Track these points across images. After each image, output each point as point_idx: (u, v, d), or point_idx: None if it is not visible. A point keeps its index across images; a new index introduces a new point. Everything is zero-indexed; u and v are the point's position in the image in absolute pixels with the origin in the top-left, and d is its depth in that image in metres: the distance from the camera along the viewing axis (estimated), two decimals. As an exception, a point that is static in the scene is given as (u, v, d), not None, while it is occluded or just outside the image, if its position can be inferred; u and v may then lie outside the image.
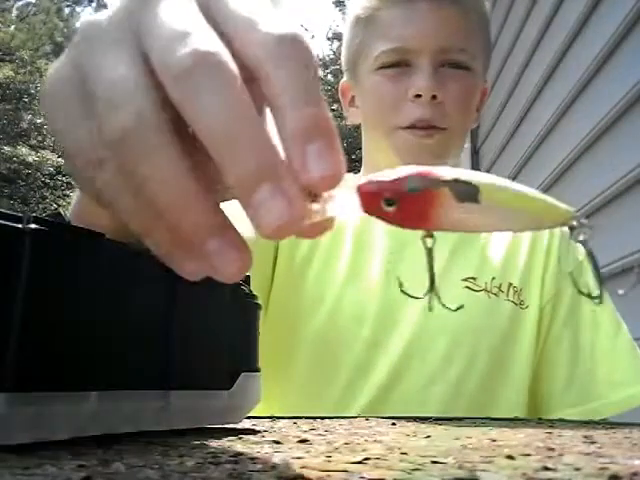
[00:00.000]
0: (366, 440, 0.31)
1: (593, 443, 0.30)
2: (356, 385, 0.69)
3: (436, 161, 0.76)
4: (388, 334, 0.70)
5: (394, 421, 0.45)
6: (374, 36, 0.76)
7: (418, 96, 0.72)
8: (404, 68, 0.73)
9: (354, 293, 0.72)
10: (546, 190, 2.19)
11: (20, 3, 15.58)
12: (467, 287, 0.73)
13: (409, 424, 0.43)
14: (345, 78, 0.84)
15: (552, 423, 0.46)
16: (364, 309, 0.72)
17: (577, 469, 0.21)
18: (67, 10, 18.73)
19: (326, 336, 0.70)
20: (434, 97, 0.72)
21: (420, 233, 0.26)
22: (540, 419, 0.48)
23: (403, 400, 0.68)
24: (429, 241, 0.25)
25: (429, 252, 0.25)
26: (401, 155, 0.75)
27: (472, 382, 0.70)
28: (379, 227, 0.76)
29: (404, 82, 0.73)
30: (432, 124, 0.73)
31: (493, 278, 0.74)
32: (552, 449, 0.26)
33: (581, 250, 0.24)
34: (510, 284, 0.74)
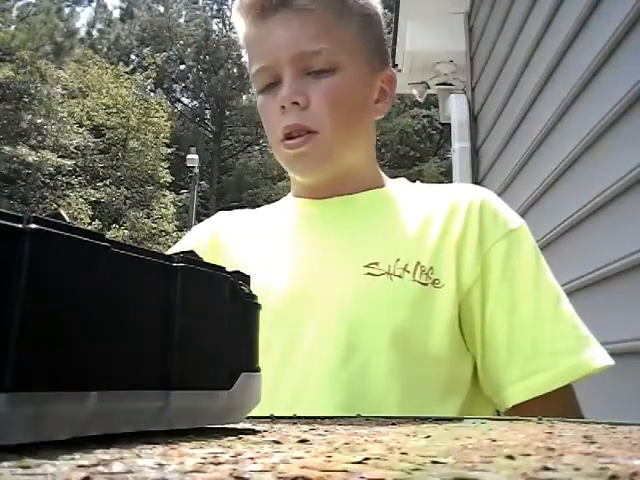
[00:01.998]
0: (366, 440, 0.31)
1: (593, 443, 0.30)
2: (275, 392, 0.69)
3: (319, 164, 0.77)
4: (299, 334, 0.72)
5: (394, 421, 0.45)
6: (250, 59, 0.80)
7: (283, 107, 0.74)
8: (277, 86, 0.76)
9: (280, 275, 0.76)
10: (546, 190, 2.19)
11: (20, 3, 15.59)
12: (369, 273, 0.72)
13: (409, 424, 0.43)
14: None
15: (552, 423, 0.46)
16: (291, 289, 0.75)
17: (577, 469, 0.21)
18: (67, 10, 18.77)
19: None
20: (296, 103, 0.74)
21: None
22: (540, 419, 0.48)
23: (311, 404, 0.68)
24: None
25: None
26: (288, 167, 0.79)
27: (380, 365, 0.68)
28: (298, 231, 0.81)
29: (276, 100, 0.76)
30: (302, 127, 0.74)
31: (398, 260, 0.72)
32: (552, 449, 0.26)
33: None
34: (418, 263, 0.71)
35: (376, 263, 0.72)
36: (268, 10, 0.75)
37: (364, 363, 0.68)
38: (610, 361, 0.70)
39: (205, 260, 0.34)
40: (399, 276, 0.71)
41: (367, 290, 0.71)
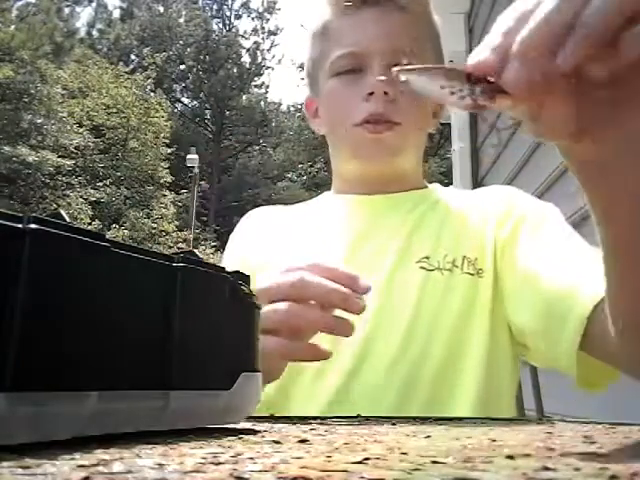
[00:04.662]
0: (366, 440, 0.31)
1: (593, 443, 0.30)
2: (323, 372, 0.70)
3: (393, 154, 0.79)
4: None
5: (394, 421, 0.45)
6: (329, 46, 0.81)
7: (371, 94, 0.76)
8: (358, 74, 0.78)
9: None
10: (546, 190, 2.19)
11: (20, 3, 15.59)
12: (422, 267, 0.74)
13: (409, 424, 0.43)
14: (308, 93, 0.89)
15: (552, 423, 0.46)
16: None
17: (577, 469, 0.21)
18: (67, 10, 18.76)
19: None
20: (386, 93, 0.75)
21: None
22: (540, 419, 0.48)
23: (367, 384, 0.69)
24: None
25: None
26: (357, 152, 0.80)
27: (433, 359, 0.71)
28: (338, 223, 0.81)
29: (358, 85, 0.77)
30: (386, 118, 0.76)
31: (446, 255, 0.75)
32: (552, 449, 0.26)
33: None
34: (464, 257, 0.75)
35: (427, 257, 0.75)
36: (369, 2, 0.79)
37: (421, 352, 0.71)
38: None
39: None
40: (449, 270, 0.74)
41: (423, 283, 0.73)
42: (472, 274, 0.74)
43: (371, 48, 0.77)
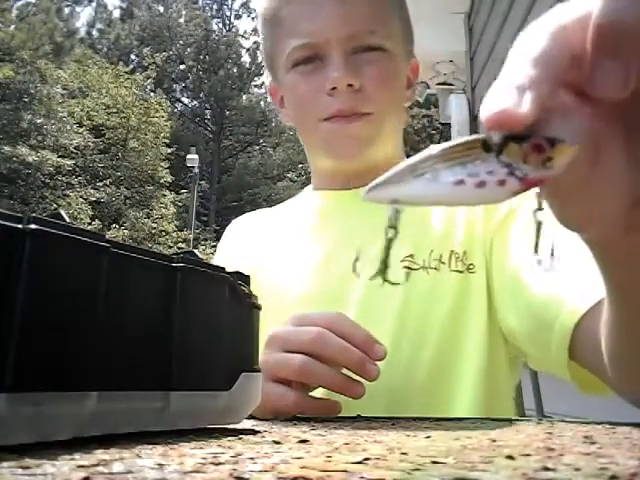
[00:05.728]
0: (366, 440, 0.31)
1: (593, 443, 0.30)
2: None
3: (367, 146, 0.73)
4: None
5: (394, 421, 0.45)
6: (283, 35, 0.76)
7: (334, 89, 0.71)
8: (317, 63, 0.73)
9: (297, 277, 0.74)
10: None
11: (20, 3, 15.59)
12: (406, 267, 0.69)
13: (409, 424, 0.43)
14: (270, 79, 0.84)
15: (552, 423, 0.46)
16: (308, 291, 0.72)
17: (577, 469, 0.21)
18: (67, 10, 18.77)
19: (276, 322, 0.65)
20: (350, 85, 0.71)
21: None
22: (540, 419, 0.48)
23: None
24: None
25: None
26: (329, 148, 0.75)
27: (424, 365, 0.67)
28: (326, 221, 0.78)
29: (319, 76, 0.72)
30: (354, 111, 0.72)
31: (431, 251, 0.70)
32: (552, 449, 0.26)
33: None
34: (452, 252, 0.70)
35: (411, 256, 0.70)
36: None
37: (410, 358, 0.68)
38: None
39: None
40: (435, 268, 0.70)
41: (407, 284, 0.69)
42: (461, 271, 0.69)
43: (329, 35, 0.71)
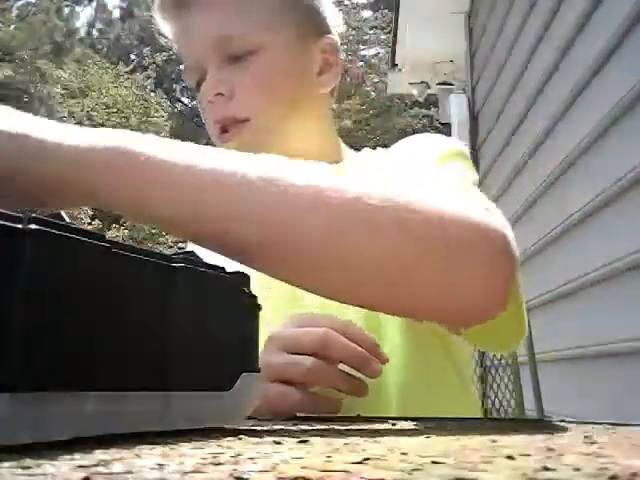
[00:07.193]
0: (366, 440, 0.31)
1: (593, 443, 0.30)
2: None
3: (256, 148, 0.65)
4: None
5: (394, 421, 0.45)
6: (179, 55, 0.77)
7: (210, 102, 0.72)
8: (204, 81, 0.73)
9: None
10: (547, 190, 2.19)
11: (20, 3, 15.57)
12: None
13: (409, 424, 0.43)
14: None
15: (552, 423, 0.46)
16: None
17: (577, 469, 0.21)
18: (67, 10, 18.74)
19: None
20: (220, 94, 0.71)
21: None
22: (540, 419, 0.48)
23: None
24: None
25: None
26: None
27: (394, 346, 0.65)
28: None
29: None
30: (231, 118, 0.71)
31: None
32: (552, 449, 0.26)
33: None
34: None
35: None
36: (184, 4, 0.72)
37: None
38: None
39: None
40: None
41: None
42: None
43: (200, 49, 0.72)
